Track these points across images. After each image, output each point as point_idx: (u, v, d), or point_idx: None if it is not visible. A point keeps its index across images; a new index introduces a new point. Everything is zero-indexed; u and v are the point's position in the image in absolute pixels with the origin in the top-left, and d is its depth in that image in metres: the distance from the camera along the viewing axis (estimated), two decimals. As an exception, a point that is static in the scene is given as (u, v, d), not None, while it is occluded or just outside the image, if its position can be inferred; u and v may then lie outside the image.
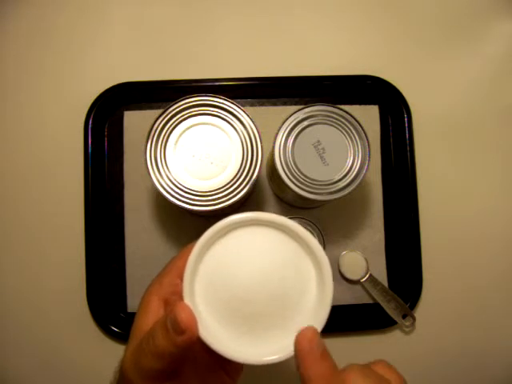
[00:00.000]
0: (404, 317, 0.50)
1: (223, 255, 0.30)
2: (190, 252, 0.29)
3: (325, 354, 0.27)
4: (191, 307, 0.28)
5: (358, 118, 0.41)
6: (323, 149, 0.41)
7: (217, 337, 0.28)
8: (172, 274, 0.31)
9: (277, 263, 0.29)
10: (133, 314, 0.33)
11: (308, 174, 0.41)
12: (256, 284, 0.28)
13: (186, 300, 0.28)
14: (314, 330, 0.27)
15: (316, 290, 0.30)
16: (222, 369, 0.33)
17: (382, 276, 0.51)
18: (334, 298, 0.50)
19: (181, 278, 0.29)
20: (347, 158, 0.41)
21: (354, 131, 0.41)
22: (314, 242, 0.29)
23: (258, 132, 0.40)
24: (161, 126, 0.40)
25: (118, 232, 0.50)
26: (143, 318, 0.31)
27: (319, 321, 0.28)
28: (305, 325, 0.28)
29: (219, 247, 0.30)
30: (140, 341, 0.29)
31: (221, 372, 0.33)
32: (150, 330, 0.28)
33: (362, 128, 0.41)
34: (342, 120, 0.41)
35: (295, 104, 0.52)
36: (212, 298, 0.29)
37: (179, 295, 0.29)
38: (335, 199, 0.40)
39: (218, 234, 0.30)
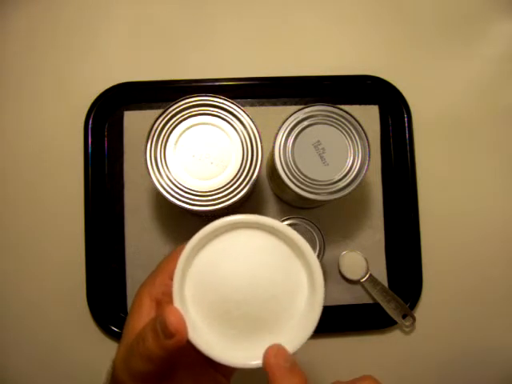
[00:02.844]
0: (404, 317, 0.50)
1: (213, 257, 0.29)
2: (180, 253, 0.29)
3: (294, 370, 0.26)
4: (181, 310, 0.27)
5: (358, 118, 0.41)
6: (323, 149, 0.41)
7: (206, 340, 0.28)
8: (163, 274, 0.31)
9: (267, 266, 0.29)
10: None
11: (308, 174, 0.41)
12: (246, 287, 0.28)
13: (176, 303, 0.28)
14: (281, 346, 0.27)
15: (307, 294, 0.29)
16: (215, 369, 0.32)
17: (382, 276, 0.51)
18: (334, 298, 0.51)
19: (172, 278, 0.28)
20: (347, 158, 0.41)
21: (354, 131, 0.41)
22: (304, 244, 0.29)
23: (258, 132, 0.40)
24: (161, 126, 0.40)
25: (117, 232, 0.50)
26: (135, 318, 0.31)
27: (309, 325, 0.28)
28: (295, 328, 0.28)
29: (210, 249, 0.29)
30: (131, 342, 0.29)
31: (214, 372, 0.32)
32: (140, 333, 0.28)
33: (362, 128, 0.41)
34: (342, 120, 0.41)
35: (295, 104, 0.52)
36: (202, 301, 0.29)
37: (170, 296, 0.28)
38: (335, 199, 0.40)
39: (209, 236, 0.29)
